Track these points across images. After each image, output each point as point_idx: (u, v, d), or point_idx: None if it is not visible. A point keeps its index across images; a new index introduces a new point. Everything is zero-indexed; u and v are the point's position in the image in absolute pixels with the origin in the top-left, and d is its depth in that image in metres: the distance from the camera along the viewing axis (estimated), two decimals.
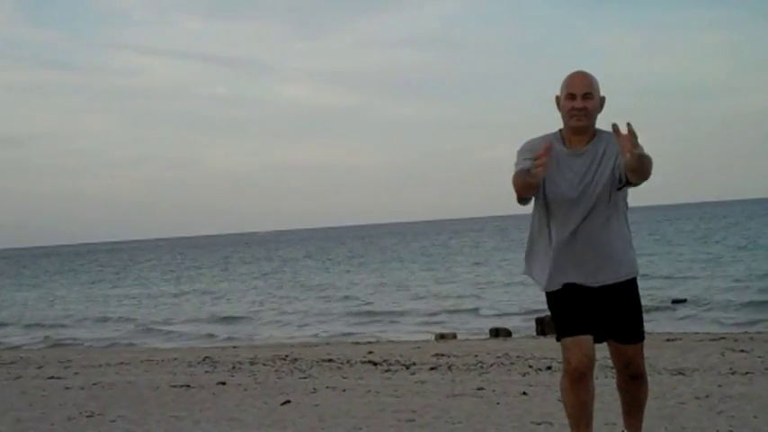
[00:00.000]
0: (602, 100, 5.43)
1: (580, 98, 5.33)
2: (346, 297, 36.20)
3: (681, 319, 23.10)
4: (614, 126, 5.09)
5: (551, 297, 5.50)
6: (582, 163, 5.38)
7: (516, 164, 5.42)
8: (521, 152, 5.45)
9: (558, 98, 5.43)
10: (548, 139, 5.44)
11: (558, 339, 5.52)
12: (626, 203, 5.51)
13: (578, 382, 5.36)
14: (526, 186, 5.27)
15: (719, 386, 9.72)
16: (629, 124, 5.04)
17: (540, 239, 5.50)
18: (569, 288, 5.42)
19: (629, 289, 5.50)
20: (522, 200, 5.43)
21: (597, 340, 5.46)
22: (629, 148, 5.00)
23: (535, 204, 5.51)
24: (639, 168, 5.11)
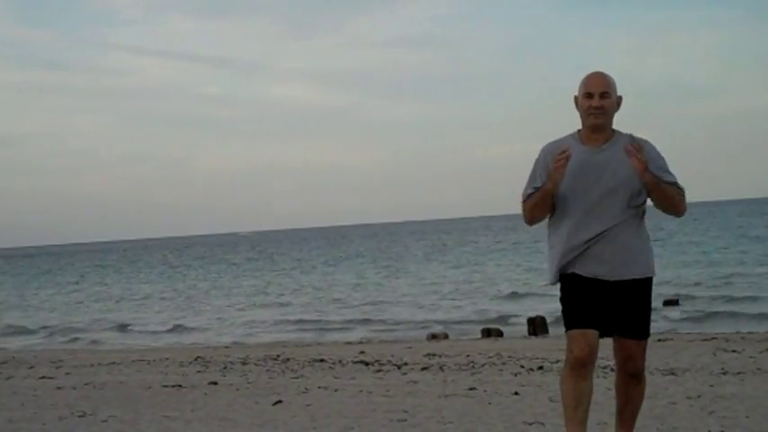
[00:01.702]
0: (620, 99, 5.56)
1: (597, 97, 5.47)
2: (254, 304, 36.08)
3: (673, 319, 23.11)
4: (626, 149, 5.36)
5: (565, 289, 5.57)
6: (601, 159, 5.48)
7: (528, 181, 5.60)
8: (535, 167, 5.62)
9: (576, 98, 5.56)
10: (565, 140, 5.57)
11: (565, 332, 5.60)
12: (645, 204, 5.58)
13: (578, 372, 5.43)
14: (539, 205, 5.52)
15: (711, 386, 9.74)
16: (639, 144, 5.40)
17: (559, 237, 5.55)
18: (584, 282, 5.49)
19: (642, 288, 5.56)
20: (533, 221, 5.63)
21: (603, 334, 5.53)
22: (640, 169, 5.33)
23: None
24: (660, 196, 5.46)
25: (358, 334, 24.28)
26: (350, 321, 27.85)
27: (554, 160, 5.39)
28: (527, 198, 5.59)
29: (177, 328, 28.73)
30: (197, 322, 30.22)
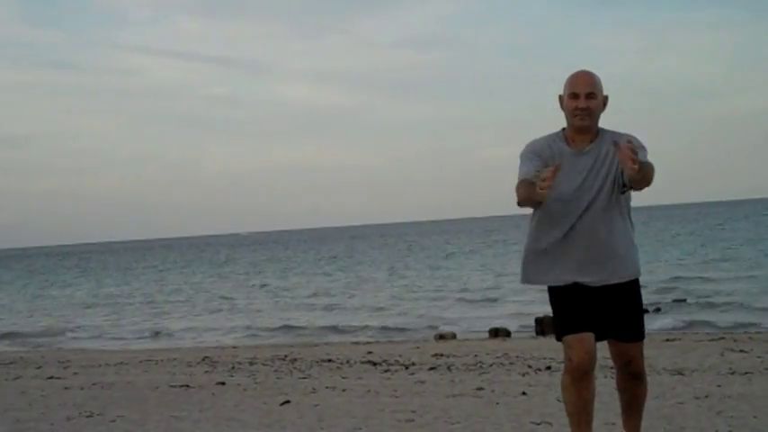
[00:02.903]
0: (606, 99, 5.43)
1: (583, 97, 5.34)
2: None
3: (680, 319, 23.08)
4: (615, 143, 5.10)
5: (554, 295, 5.51)
6: (585, 162, 5.38)
7: (520, 169, 5.43)
8: (524, 156, 5.46)
9: (561, 97, 5.44)
10: (550, 139, 5.46)
11: (559, 338, 5.51)
12: (629, 204, 5.51)
13: (580, 380, 5.37)
14: (530, 200, 5.26)
15: (719, 386, 9.73)
16: (629, 141, 5.08)
17: (541, 238, 5.49)
18: (571, 286, 5.43)
19: (630, 289, 5.50)
20: (523, 205, 5.44)
21: (598, 338, 5.46)
22: (630, 163, 4.96)
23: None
24: (641, 180, 5.14)
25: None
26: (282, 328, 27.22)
27: (542, 175, 5.05)
28: (519, 183, 5.33)
29: (155, 335, 27.75)
30: (174, 327, 29.41)
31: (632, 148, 4.96)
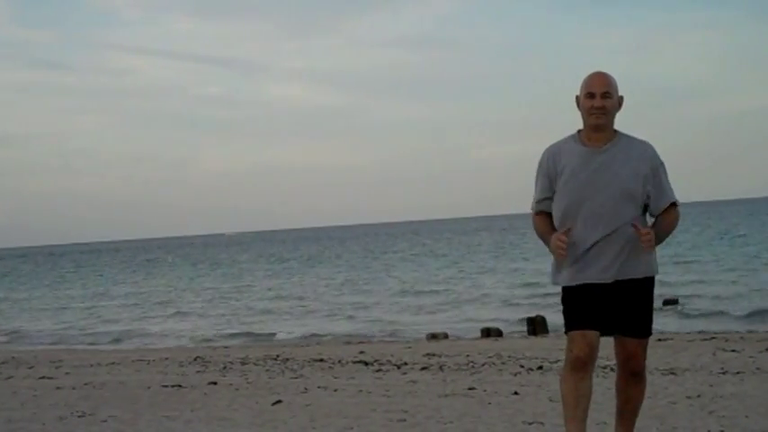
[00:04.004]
0: (621, 99, 5.55)
1: (599, 97, 5.46)
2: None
3: (672, 319, 23.11)
4: (635, 226, 5.40)
5: (566, 292, 5.57)
6: (601, 161, 5.47)
7: (535, 185, 5.63)
8: (539, 166, 5.63)
9: (577, 98, 5.55)
10: (566, 142, 5.57)
11: (566, 332, 5.62)
12: (644, 204, 5.57)
13: (578, 372, 5.42)
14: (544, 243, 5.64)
15: (711, 386, 9.74)
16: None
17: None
18: (585, 285, 5.49)
19: (644, 287, 5.56)
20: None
21: (605, 333, 5.53)
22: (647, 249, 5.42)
23: (554, 203, 5.60)
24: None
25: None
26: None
27: (555, 249, 5.43)
28: (538, 211, 5.62)
29: (113, 340, 26.79)
30: (115, 331, 28.89)
31: (648, 238, 5.37)
